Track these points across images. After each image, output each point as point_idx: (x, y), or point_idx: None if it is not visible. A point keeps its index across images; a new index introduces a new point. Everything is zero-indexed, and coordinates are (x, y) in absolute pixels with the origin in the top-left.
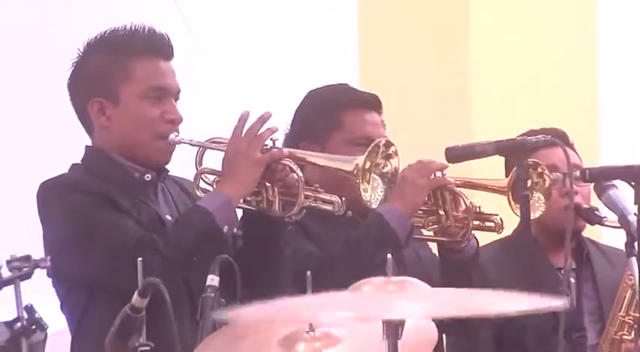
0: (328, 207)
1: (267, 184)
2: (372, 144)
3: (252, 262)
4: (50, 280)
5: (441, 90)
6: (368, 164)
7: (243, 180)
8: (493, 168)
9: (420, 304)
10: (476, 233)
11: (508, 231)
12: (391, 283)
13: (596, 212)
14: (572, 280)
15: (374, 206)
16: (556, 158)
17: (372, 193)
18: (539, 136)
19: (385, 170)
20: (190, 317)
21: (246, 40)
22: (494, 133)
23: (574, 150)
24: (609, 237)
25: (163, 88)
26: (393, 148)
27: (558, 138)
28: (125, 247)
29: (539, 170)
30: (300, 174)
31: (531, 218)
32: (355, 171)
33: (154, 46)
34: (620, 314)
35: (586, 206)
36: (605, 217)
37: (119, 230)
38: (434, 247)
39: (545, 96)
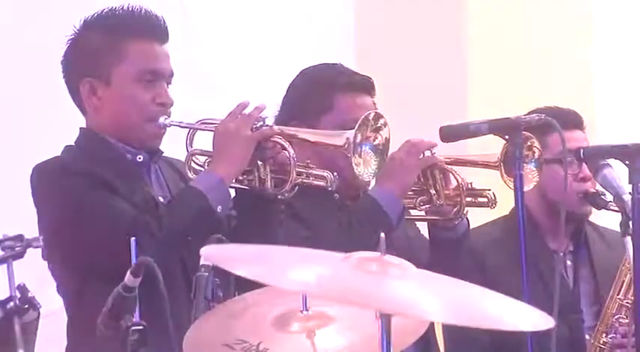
0: (321, 183)
1: (259, 162)
2: (362, 117)
3: (245, 242)
4: (43, 260)
5: (437, 71)
6: (359, 137)
7: (235, 158)
8: (488, 148)
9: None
10: (473, 211)
11: (501, 205)
12: (374, 262)
13: (602, 196)
14: (570, 262)
15: (366, 179)
16: (574, 141)
17: (365, 167)
18: (534, 115)
19: (376, 142)
20: (185, 296)
21: (242, 22)
22: (489, 114)
23: (585, 132)
24: (605, 218)
25: (156, 71)
26: (382, 120)
27: (571, 119)
28: (119, 229)
29: (529, 143)
30: (292, 151)
31: (524, 190)
32: (346, 146)
33: (149, 29)
34: (619, 297)
35: (593, 190)
36: (610, 202)
37: (113, 212)
38: (421, 226)
39: (541, 77)
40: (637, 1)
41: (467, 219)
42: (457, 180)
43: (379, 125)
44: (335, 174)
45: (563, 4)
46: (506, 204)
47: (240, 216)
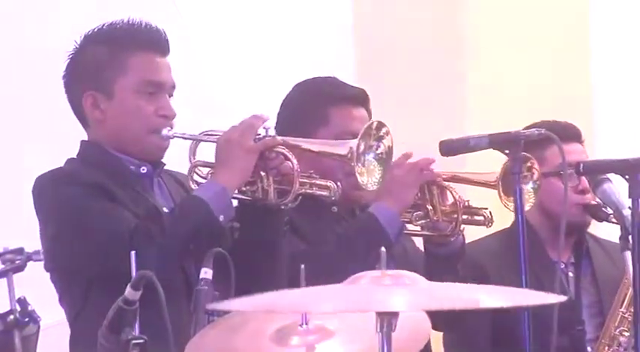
0: (324, 193)
1: (262, 173)
2: (365, 127)
3: (248, 254)
4: (44, 273)
5: (436, 82)
6: (362, 147)
7: (238, 168)
8: (487, 161)
9: (415, 297)
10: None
11: (501, 218)
12: (387, 276)
13: (603, 208)
14: (571, 274)
15: (370, 189)
16: (573, 154)
17: (369, 177)
18: (534, 130)
19: (379, 151)
20: (186, 308)
21: (241, 31)
22: (487, 128)
23: (583, 145)
24: (605, 231)
25: (158, 83)
26: (384, 129)
27: (570, 132)
28: (121, 237)
29: (529, 164)
30: (295, 161)
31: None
32: (349, 155)
33: (150, 41)
34: (621, 310)
35: (593, 202)
36: (611, 214)
37: (115, 220)
38: (417, 240)
39: (540, 91)
40: (636, 12)
41: (463, 235)
42: (454, 197)
43: (382, 134)
44: (338, 184)
45: (561, 16)
46: (505, 218)
47: (242, 228)
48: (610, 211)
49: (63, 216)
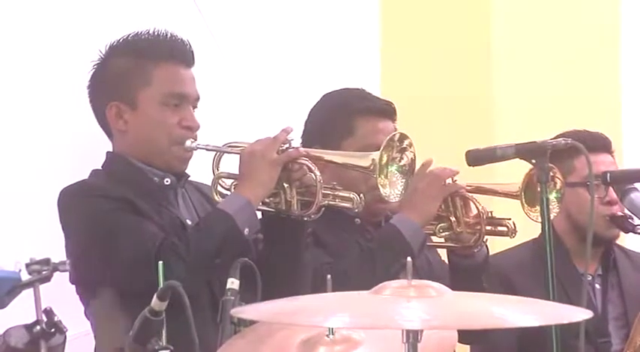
0: (347, 205)
1: (285, 185)
2: (387, 139)
3: (272, 265)
4: (71, 284)
5: (462, 94)
6: (385, 159)
7: (262, 181)
8: (516, 171)
9: (437, 313)
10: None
11: (527, 230)
12: (412, 287)
13: (629, 220)
14: (598, 286)
15: (392, 200)
16: (602, 165)
17: (391, 188)
18: (561, 139)
19: (402, 163)
20: (212, 319)
21: (267, 42)
22: (516, 137)
23: (613, 156)
24: (633, 242)
25: (182, 94)
26: (407, 141)
27: (599, 143)
28: (147, 251)
29: (552, 173)
30: (318, 173)
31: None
32: (372, 167)
33: (175, 52)
34: None
35: (620, 214)
36: (638, 225)
37: (141, 234)
38: (442, 252)
39: (568, 101)
40: None
41: (486, 246)
42: (477, 209)
43: (404, 146)
44: (361, 195)
45: (591, 26)
46: (530, 228)
47: (266, 239)
48: (637, 222)
49: (89, 231)
